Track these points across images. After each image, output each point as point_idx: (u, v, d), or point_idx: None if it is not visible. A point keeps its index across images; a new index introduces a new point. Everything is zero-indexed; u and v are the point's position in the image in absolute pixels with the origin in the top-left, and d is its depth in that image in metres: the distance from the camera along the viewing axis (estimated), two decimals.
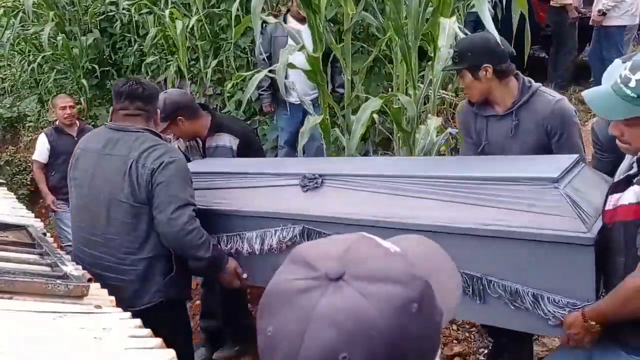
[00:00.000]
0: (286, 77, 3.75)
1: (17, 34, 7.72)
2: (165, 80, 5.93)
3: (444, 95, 3.96)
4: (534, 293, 1.70)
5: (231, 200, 2.42)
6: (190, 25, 5.31)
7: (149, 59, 6.16)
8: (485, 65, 2.27)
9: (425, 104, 3.29)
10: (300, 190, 2.22)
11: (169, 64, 5.92)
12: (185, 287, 2.46)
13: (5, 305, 1.59)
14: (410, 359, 0.59)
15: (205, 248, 2.26)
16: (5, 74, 9.66)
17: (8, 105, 8.63)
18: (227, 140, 2.99)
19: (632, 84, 1.36)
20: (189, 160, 2.83)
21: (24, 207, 3.17)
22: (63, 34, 6.81)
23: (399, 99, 3.07)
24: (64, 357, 1.29)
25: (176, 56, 5.58)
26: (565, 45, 5.22)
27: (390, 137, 4.09)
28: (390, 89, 4.55)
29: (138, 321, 1.62)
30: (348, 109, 3.32)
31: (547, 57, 5.76)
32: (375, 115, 3.36)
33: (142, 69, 6.36)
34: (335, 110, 3.45)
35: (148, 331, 1.55)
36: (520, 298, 1.72)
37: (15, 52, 8.46)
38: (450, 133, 3.06)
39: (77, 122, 4.88)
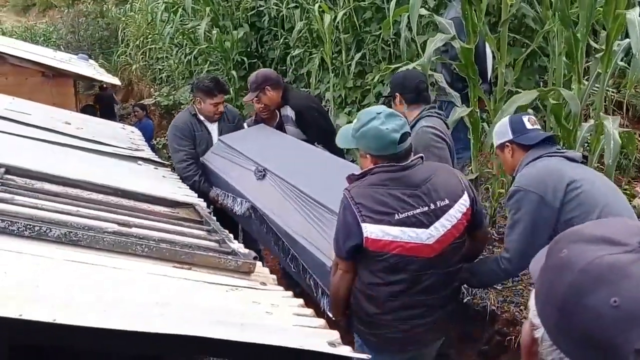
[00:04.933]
0: (436, 70, 3.70)
1: (176, 28, 8.42)
2: (308, 72, 6.13)
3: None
4: None
5: (228, 170, 3.40)
6: (337, 19, 5.41)
7: (295, 52, 6.39)
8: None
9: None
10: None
11: (312, 56, 6.10)
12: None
13: (184, 274, 1.75)
14: None
15: (188, 180, 3.56)
16: (163, 65, 10.58)
17: (165, 94, 9.47)
18: (289, 111, 3.70)
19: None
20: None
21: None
22: (217, 29, 7.29)
23: (557, 94, 2.89)
24: (240, 328, 1.38)
25: (321, 49, 5.73)
26: None
27: None
28: (542, 84, 4.30)
29: (301, 300, 1.70)
30: (500, 102, 3.20)
31: None
32: (530, 111, 3.20)
33: (287, 61, 6.63)
34: (486, 104, 3.33)
35: (311, 311, 1.62)
36: None
37: (173, 45, 9.23)
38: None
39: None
